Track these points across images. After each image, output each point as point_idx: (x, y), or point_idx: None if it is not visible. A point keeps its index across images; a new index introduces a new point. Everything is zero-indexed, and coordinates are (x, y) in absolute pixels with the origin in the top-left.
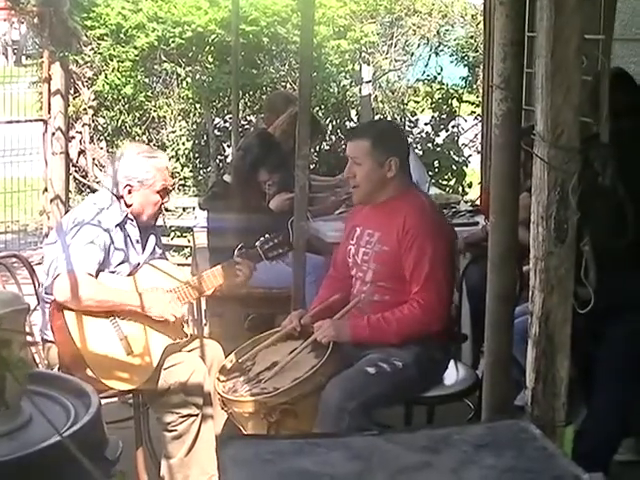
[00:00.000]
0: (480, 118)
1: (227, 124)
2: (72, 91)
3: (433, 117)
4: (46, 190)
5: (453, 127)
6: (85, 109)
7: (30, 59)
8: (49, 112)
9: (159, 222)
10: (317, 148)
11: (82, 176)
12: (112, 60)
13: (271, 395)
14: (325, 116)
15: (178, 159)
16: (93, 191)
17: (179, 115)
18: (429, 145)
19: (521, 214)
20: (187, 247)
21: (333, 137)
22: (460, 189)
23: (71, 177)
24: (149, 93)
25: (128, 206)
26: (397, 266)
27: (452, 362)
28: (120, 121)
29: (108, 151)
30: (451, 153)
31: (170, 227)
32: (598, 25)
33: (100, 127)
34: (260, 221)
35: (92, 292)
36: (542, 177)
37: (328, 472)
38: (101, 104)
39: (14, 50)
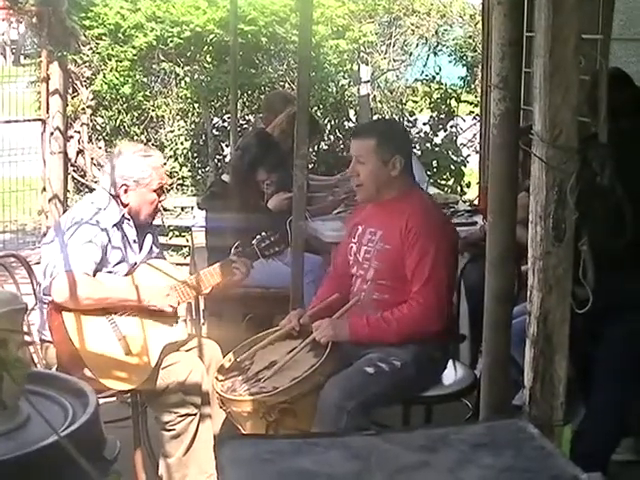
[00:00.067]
0: (478, 118)
1: (225, 124)
2: (70, 91)
3: (431, 117)
4: (44, 190)
5: (451, 127)
6: (83, 109)
7: (28, 59)
8: (47, 112)
9: (157, 221)
10: (315, 148)
11: (80, 176)
12: (110, 60)
13: (270, 394)
14: (323, 116)
15: (176, 159)
16: (91, 190)
17: (177, 115)
18: (427, 145)
19: (519, 214)
20: (185, 247)
21: (331, 137)
22: (458, 189)
23: (69, 177)
24: (147, 93)
25: (125, 205)
26: (398, 264)
27: (450, 362)
28: (118, 121)
29: (106, 151)
30: (449, 153)
31: (168, 227)
32: (596, 25)
33: (98, 127)
34: (258, 221)
35: (90, 291)
36: (540, 177)
37: (327, 472)
38: (99, 104)
39: (12, 50)
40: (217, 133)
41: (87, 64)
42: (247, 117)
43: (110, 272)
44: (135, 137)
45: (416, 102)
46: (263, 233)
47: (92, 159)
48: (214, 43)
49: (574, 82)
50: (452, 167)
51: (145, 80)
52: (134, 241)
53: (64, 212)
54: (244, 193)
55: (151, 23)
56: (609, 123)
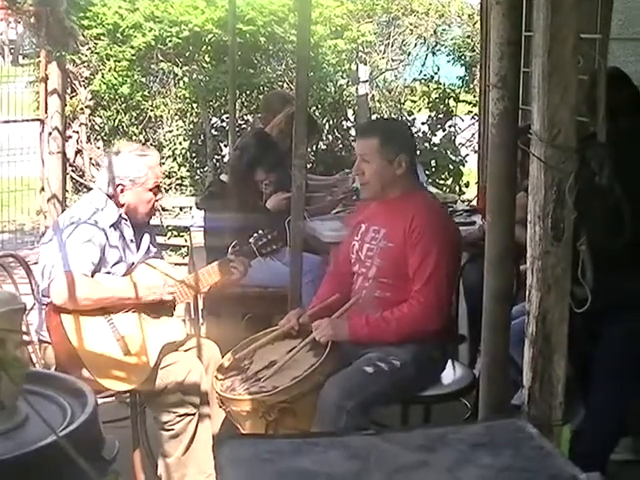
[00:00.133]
0: (477, 117)
1: (224, 124)
2: (69, 91)
3: (430, 117)
4: (43, 190)
5: (450, 127)
6: (82, 109)
7: (27, 59)
8: (46, 112)
9: (156, 221)
10: (314, 148)
11: (79, 175)
12: (109, 60)
13: (269, 394)
14: (322, 116)
15: (175, 159)
16: (90, 190)
17: (176, 115)
18: (426, 145)
19: (518, 213)
20: (184, 246)
21: (330, 137)
22: (457, 188)
23: (68, 177)
24: (146, 93)
25: (121, 205)
26: (401, 263)
27: (449, 361)
28: (117, 121)
29: (105, 151)
30: (448, 152)
31: (167, 226)
32: (595, 25)
33: (97, 127)
34: (257, 221)
35: (88, 292)
36: (539, 176)
37: (326, 471)
38: (98, 104)
39: (11, 50)
40: (216, 133)
41: (85, 64)
42: (246, 117)
43: (108, 272)
44: (134, 137)
45: (414, 102)
46: (260, 231)
47: (91, 159)
48: (212, 43)
49: (573, 82)
50: (451, 167)
51: (144, 80)
52: (131, 241)
53: (63, 212)
54: (243, 193)
55: (149, 23)
56: (608, 123)
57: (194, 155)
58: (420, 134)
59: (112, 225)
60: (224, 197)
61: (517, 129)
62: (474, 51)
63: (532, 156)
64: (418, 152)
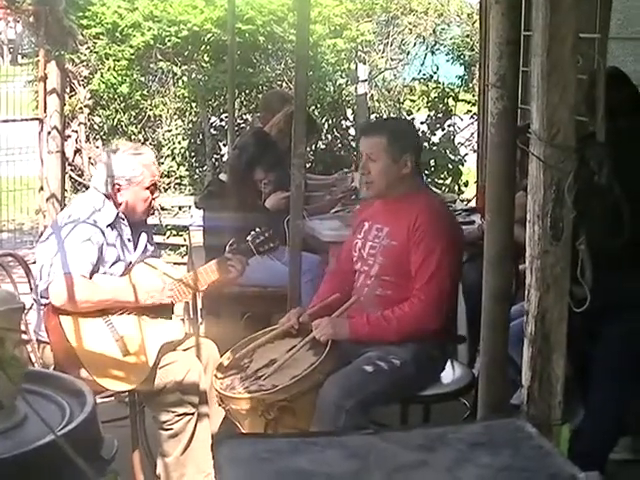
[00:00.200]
0: (476, 117)
1: (223, 123)
2: (68, 90)
3: (429, 116)
4: (42, 189)
5: (449, 126)
6: (81, 108)
7: (26, 58)
8: (45, 111)
9: (155, 220)
10: (313, 147)
11: (78, 175)
12: (108, 59)
13: (269, 392)
14: (321, 115)
15: (174, 158)
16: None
17: (175, 114)
18: (425, 144)
19: (517, 213)
20: (183, 246)
21: (329, 136)
22: (456, 188)
23: (67, 176)
24: (145, 92)
25: (118, 205)
26: (403, 261)
27: (448, 361)
28: (116, 120)
29: (104, 150)
30: (447, 152)
31: (166, 226)
32: (594, 24)
33: (96, 126)
34: (256, 220)
35: (88, 294)
36: (538, 176)
37: (325, 471)
38: (97, 103)
39: (10, 49)
40: (215, 132)
41: (84, 63)
42: (245, 116)
43: (106, 272)
44: (133, 136)
45: (414, 101)
46: (257, 229)
47: (90, 158)
48: (212, 42)
49: (572, 81)
50: (450, 166)
51: (143, 79)
52: (129, 240)
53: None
54: (242, 192)
55: (148, 22)
56: (607, 122)
57: (193, 154)
58: (419, 133)
59: (110, 225)
60: (223, 196)
61: (516, 128)
62: (473, 50)
63: (531, 155)
64: None
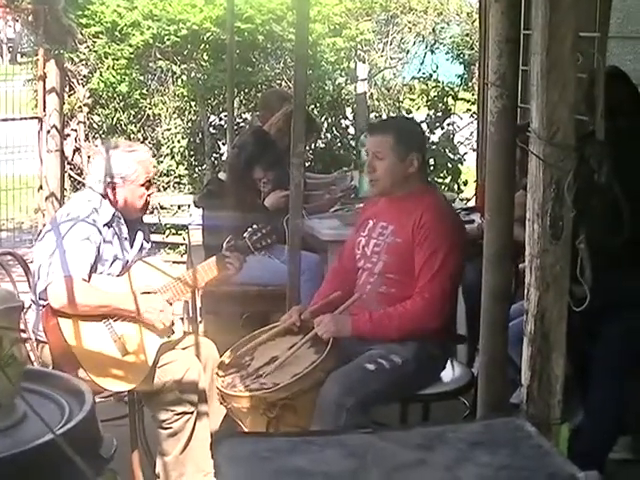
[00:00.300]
0: (476, 116)
1: (222, 122)
2: (67, 89)
3: (428, 115)
4: (41, 188)
5: (449, 125)
6: (80, 107)
7: (25, 57)
8: (44, 110)
9: (154, 219)
10: (312, 146)
11: (77, 174)
12: (107, 58)
13: (270, 391)
14: (320, 114)
15: (173, 157)
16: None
17: (174, 113)
18: None
19: (517, 212)
20: (182, 245)
21: (328, 135)
22: (455, 187)
23: (66, 175)
24: (144, 91)
25: (114, 203)
26: (407, 259)
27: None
28: (115, 119)
29: (97, 149)
30: (446, 151)
31: (165, 225)
32: (593, 23)
33: (95, 125)
34: (255, 219)
35: (87, 298)
36: (538, 174)
37: (323, 470)
38: (96, 102)
39: (9, 48)
40: (214, 131)
41: (84, 62)
42: (244, 115)
43: (104, 271)
44: (132, 135)
45: (413, 100)
46: (254, 226)
47: (89, 157)
48: (211, 41)
49: (571, 80)
50: (449, 165)
51: (142, 78)
52: (125, 238)
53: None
54: (241, 191)
55: (148, 21)
56: (606, 122)
57: (192, 153)
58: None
59: (107, 224)
60: (222, 195)
61: (516, 127)
62: (473, 49)
63: (531, 154)
64: None
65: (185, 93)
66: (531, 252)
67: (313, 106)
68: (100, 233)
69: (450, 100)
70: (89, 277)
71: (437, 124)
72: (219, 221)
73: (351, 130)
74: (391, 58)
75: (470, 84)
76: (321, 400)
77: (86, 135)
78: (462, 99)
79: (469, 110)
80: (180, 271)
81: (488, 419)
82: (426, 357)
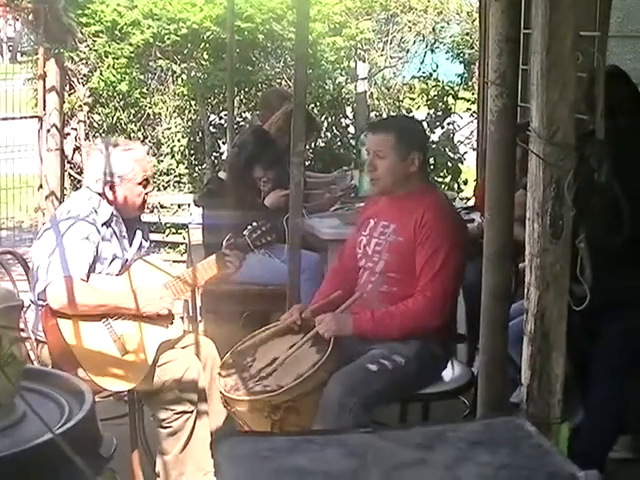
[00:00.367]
0: (476, 115)
1: (222, 121)
2: (67, 88)
3: (429, 114)
4: (41, 187)
5: (449, 124)
6: (80, 106)
7: (25, 56)
8: (44, 109)
9: (154, 218)
10: (312, 145)
11: (77, 173)
12: (107, 57)
13: (275, 394)
14: (320, 113)
15: (173, 156)
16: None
17: (174, 112)
18: None
19: (517, 211)
20: (182, 244)
21: (328, 134)
22: (455, 186)
23: (66, 174)
24: (144, 90)
25: (112, 203)
26: (409, 258)
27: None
28: (115, 118)
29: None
30: (446, 150)
31: (165, 224)
32: (594, 22)
33: (95, 124)
34: (255, 218)
35: (86, 298)
36: (538, 174)
37: (323, 469)
38: (96, 101)
39: (9, 47)
40: (214, 130)
41: (84, 61)
42: (244, 114)
43: (103, 270)
44: (132, 134)
45: (413, 99)
46: (254, 224)
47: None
48: (211, 40)
49: (571, 79)
50: (449, 164)
51: (142, 77)
52: (123, 237)
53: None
54: (241, 190)
55: (148, 20)
56: (606, 121)
57: (192, 152)
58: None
59: (105, 223)
60: (222, 194)
61: (516, 126)
62: (473, 48)
63: (531, 153)
64: None
65: (185, 92)
66: (531, 251)
67: (313, 105)
68: (99, 232)
69: (450, 99)
70: (87, 277)
71: (437, 123)
72: (219, 220)
73: (351, 129)
74: (391, 57)
75: (470, 83)
76: (324, 401)
77: (86, 134)
78: (462, 98)
79: (469, 109)
80: (180, 270)
81: (488, 418)
82: (428, 356)
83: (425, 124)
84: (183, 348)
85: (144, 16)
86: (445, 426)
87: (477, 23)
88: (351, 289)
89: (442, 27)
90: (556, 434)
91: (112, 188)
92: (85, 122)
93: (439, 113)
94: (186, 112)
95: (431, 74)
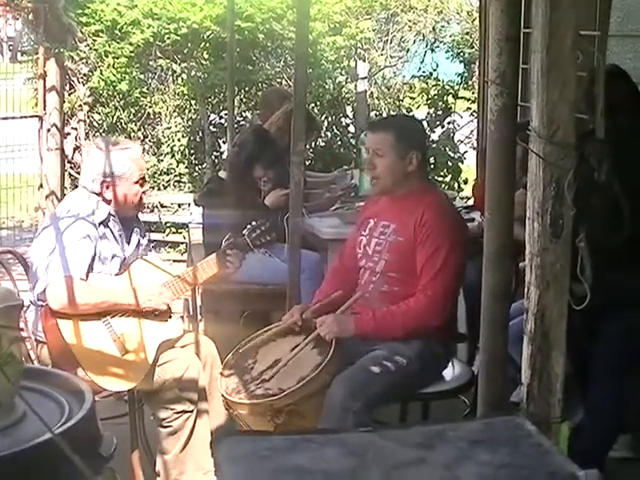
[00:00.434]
0: (476, 114)
1: (223, 120)
2: (67, 87)
3: (429, 113)
4: (41, 186)
5: (449, 123)
6: (80, 105)
7: (25, 55)
8: (44, 108)
9: (154, 218)
10: (312, 144)
11: (77, 172)
12: (107, 56)
13: (277, 397)
14: (320, 112)
15: (173, 155)
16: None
17: (174, 111)
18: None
19: (517, 211)
20: (182, 243)
21: (328, 133)
22: (456, 185)
23: (66, 173)
24: (144, 89)
25: (108, 202)
26: (410, 257)
27: None
28: (115, 117)
29: (89, 147)
30: (447, 149)
31: (165, 223)
32: (594, 21)
33: (95, 123)
34: (255, 217)
35: (86, 298)
36: (538, 173)
37: (322, 468)
38: (96, 100)
39: (9, 46)
40: (214, 130)
41: (84, 61)
42: (244, 114)
43: (103, 270)
44: (132, 134)
45: (413, 99)
46: (253, 223)
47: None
48: (211, 40)
49: (571, 78)
50: (449, 164)
51: (142, 77)
52: (121, 236)
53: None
54: (241, 190)
55: (148, 20)
56: (606, 120)
57: (192, 152)
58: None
59: (102, 222)
60: (222, 194)
61: (516, 125)
62: (473, 48)
63: (531, 152)
64: None
65: (185, 92)
66: (531, 250)
67: (313, 105)
68: (98, 232)
69: (450, 99)
70: (87, 276)
71: (437, 123)
72: (219, 219)
73: (351, 129)
74: (391, 57)
75: (470, 82)
76: (327, 404)
77: (86, 134)
78: (462, 97)
79: (469, 109)
80: (180, 269)
81: (488, 418)
82: (430, 356)
83: (425, 123)
84: (183, 347)
85: (144, 15)
86: (445, 425)
87: (477, 22)
88: (351, 289)
89: (442, 26)
90: (556, 433)
91: (109, 187)
92: (85, 122)
93: (439, 112)
94: (186, 111)
95: (431, 73)
